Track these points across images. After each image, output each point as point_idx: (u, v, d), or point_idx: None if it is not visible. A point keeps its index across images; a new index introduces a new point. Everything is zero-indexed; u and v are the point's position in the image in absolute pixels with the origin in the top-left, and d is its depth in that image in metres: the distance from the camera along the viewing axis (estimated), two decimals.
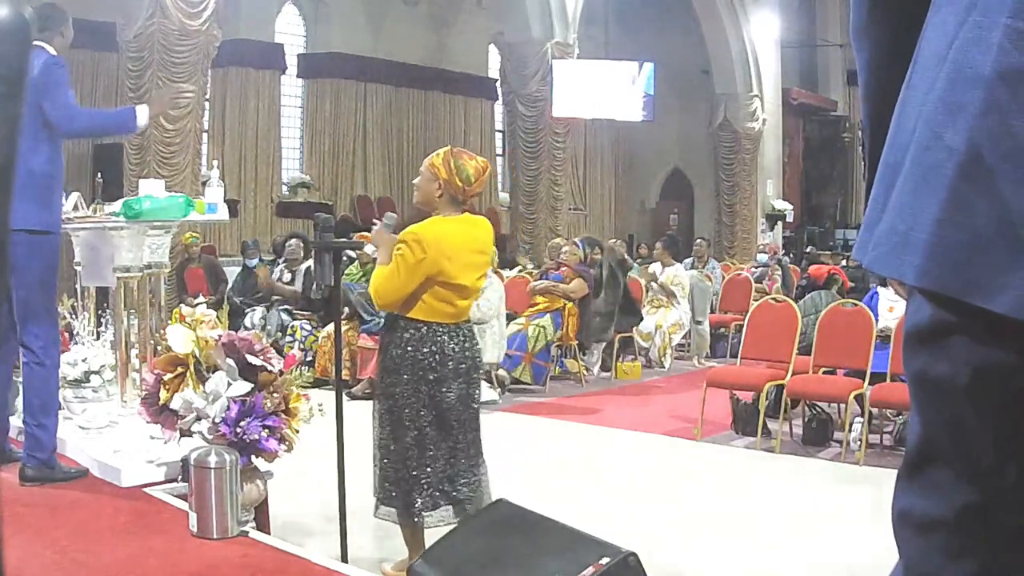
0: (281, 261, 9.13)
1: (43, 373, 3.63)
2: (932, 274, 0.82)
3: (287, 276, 8.89)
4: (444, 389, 3.30)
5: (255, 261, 9.54)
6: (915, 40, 0.93)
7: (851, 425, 5.70)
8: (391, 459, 3.32)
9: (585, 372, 8.54)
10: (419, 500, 3.30)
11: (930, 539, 0.87)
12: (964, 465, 0.84)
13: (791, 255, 15.65)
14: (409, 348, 3.29)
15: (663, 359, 9.26)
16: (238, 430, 3.16)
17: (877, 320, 5.80)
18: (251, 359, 3.26)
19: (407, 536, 3.41)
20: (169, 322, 3.49)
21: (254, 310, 8.68)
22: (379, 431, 3.35)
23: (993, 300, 0.78)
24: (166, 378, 3.28)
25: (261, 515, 3.47)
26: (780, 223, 18.00)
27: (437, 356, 3.30)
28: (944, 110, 0.83)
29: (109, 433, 4.14)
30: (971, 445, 0.83)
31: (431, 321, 3.32)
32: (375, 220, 3.46)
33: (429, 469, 3.29)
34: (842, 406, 5.81)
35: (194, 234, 9.86)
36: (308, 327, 8.24)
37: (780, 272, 11.40)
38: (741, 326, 7.50)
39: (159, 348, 3.80)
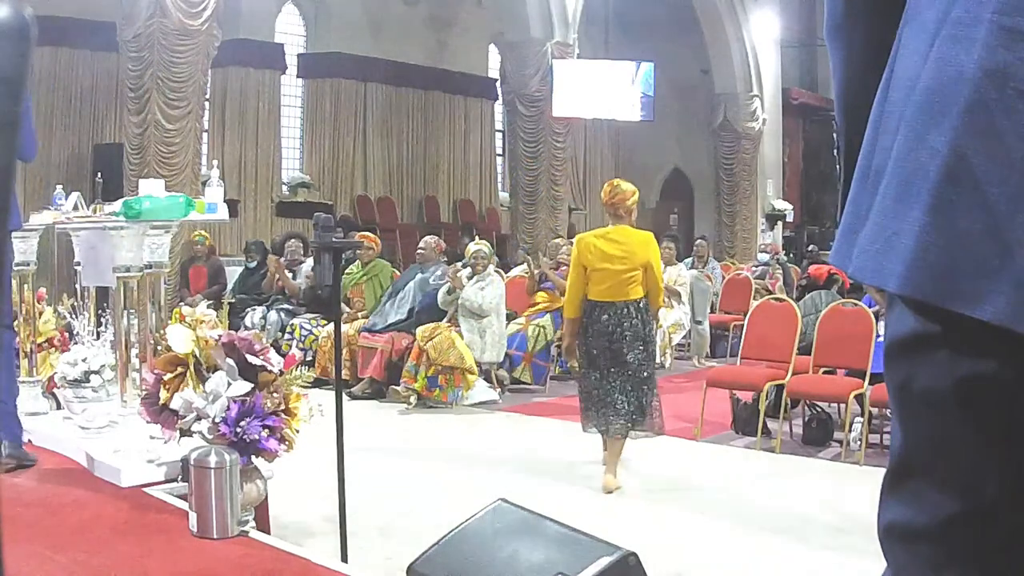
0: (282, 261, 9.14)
1: (9, 356, 3.83)
2: (914, 281, 0.79)
3: (287, 275, 8.91)
4: None
5: (255, 262, 9.54)
6: (892, 38, 0.91)
7: (851, 425, 5.70)
8: (648, 389, 4.92)
9: None
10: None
11: (915, 550, 0.86)
12: (948, 476, 0.83)
13: (791, 255, 15.64)
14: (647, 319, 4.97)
15: (663, 359, 9.26)
16: (238, 430, 3.16)
17: (877, 320, 5.80)
18: (251, 359, 3.26)
19: (617, 449, 5.00)
20: (169, 322, 3.49)
21: (254, 310, 8.69)
22: (638, 374, 4.86)
23: (977, 307, 0.76)
24: (166, 378, 3.28)
25: (261, 515, 3.47)
26: (780, 223, 18.00)
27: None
28: (927, 110, 0.80)
29: (109, 433, 4.14)
30: (955, 456, 0.82)
31: None
32: None
33: None
34: (842, 406, 5.81)
35: (203, 233, 9.86)
36: (308, 326, 8.24)
37: (780, 272, 11.40)
38: (741, 326, 7.50)
39: (159, 348, 3.79)
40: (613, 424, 4.89)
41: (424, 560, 2.53)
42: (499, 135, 17.54)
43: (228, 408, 3.17)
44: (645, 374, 4.91)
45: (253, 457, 3.28)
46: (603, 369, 4.87)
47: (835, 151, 1.11)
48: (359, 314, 8.14)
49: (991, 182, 0.76)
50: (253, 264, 9.52)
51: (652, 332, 5.01)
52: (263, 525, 3.44)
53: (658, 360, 9.17)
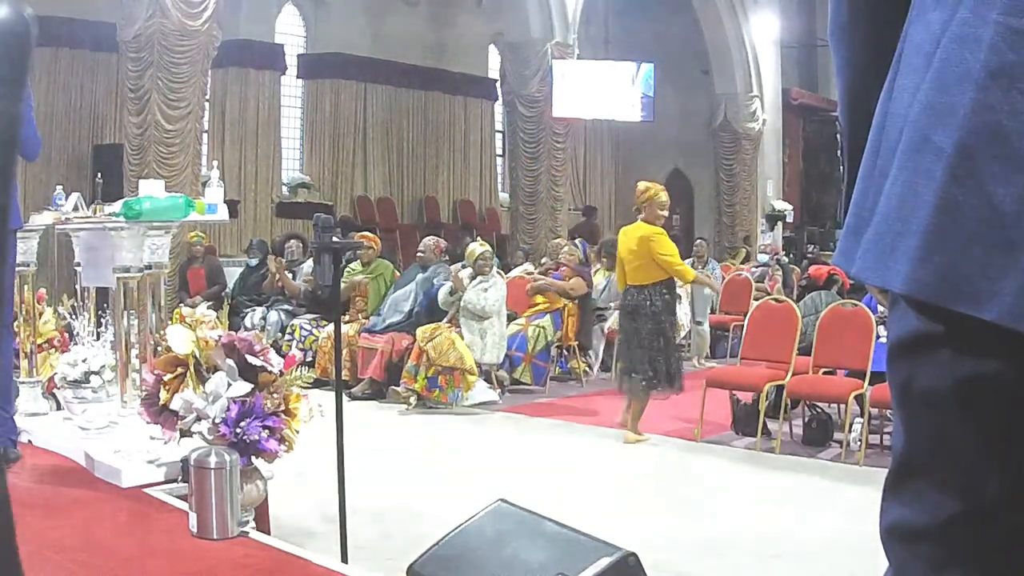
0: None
1: (6, 362, 3.82)
2: (918, 282, 0.79)
3: (287, 276, 8.90)
4: None
5: (256, 260, 9.54)
6: (896, 39, 0.91)
7: (851, 425, 5.70)
8: (665, 358, 5.83)
9: (585, 372, 8.54)
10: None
11: (916, 550, 0.86)
12: (948, 476, 0.83)
13: (791, 255, 15.63)
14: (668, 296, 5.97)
15: None
16: (238, 430, 3.16)
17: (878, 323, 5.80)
18: (251, 359, 3.26)
19: (640, 406, 5.96)
20: (169, 322, 3.49)
21: (254, 310, 8.69)
22: (650, 344, 5.81)
23: (981, 307, 0.76)
24: (166, 378, 3.28)
25: (261, 515, 3.47)
26: (780, 223, 17.99)
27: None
28: (932, 112, 0.80)
29: (109, 433, 4.14)
30: (956, 457, 0.82)
31: None
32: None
33: None
34: (842, 406, 5.81)
35: (200, 234, 9.85)
36: (308, 327, 8.24)
37: (780, 272, 11.40)
38: (741, 326, 7.49)
39: (159, 348, 3.80)
40: (634, 386, 5.91)
41: (424, 560, 2.53)
42: (499, 135, 17.53)
43: (228, 409, 3.17)
44: (658, 345, 5.83)
45: (253, 457, 3.28)
46: (629, 340, 5.92)
47: (839, 152, 1.11)
48: (360, 314, 8.14)
49: (997, 183, 0.76)
50: (255, 262, 9.52)
51: (664, 311, 5.90)
52: (263, 525, 3.44)
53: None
